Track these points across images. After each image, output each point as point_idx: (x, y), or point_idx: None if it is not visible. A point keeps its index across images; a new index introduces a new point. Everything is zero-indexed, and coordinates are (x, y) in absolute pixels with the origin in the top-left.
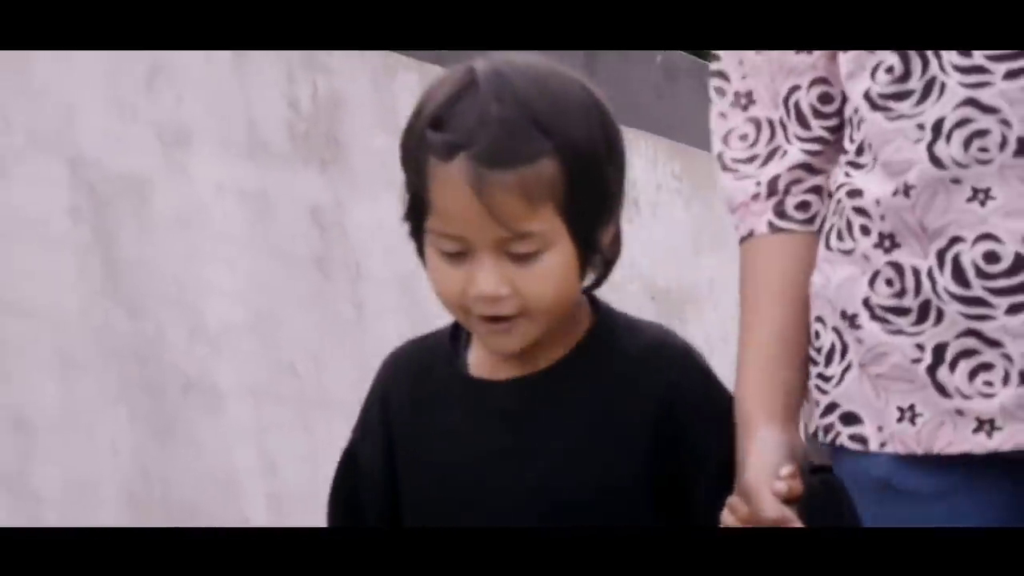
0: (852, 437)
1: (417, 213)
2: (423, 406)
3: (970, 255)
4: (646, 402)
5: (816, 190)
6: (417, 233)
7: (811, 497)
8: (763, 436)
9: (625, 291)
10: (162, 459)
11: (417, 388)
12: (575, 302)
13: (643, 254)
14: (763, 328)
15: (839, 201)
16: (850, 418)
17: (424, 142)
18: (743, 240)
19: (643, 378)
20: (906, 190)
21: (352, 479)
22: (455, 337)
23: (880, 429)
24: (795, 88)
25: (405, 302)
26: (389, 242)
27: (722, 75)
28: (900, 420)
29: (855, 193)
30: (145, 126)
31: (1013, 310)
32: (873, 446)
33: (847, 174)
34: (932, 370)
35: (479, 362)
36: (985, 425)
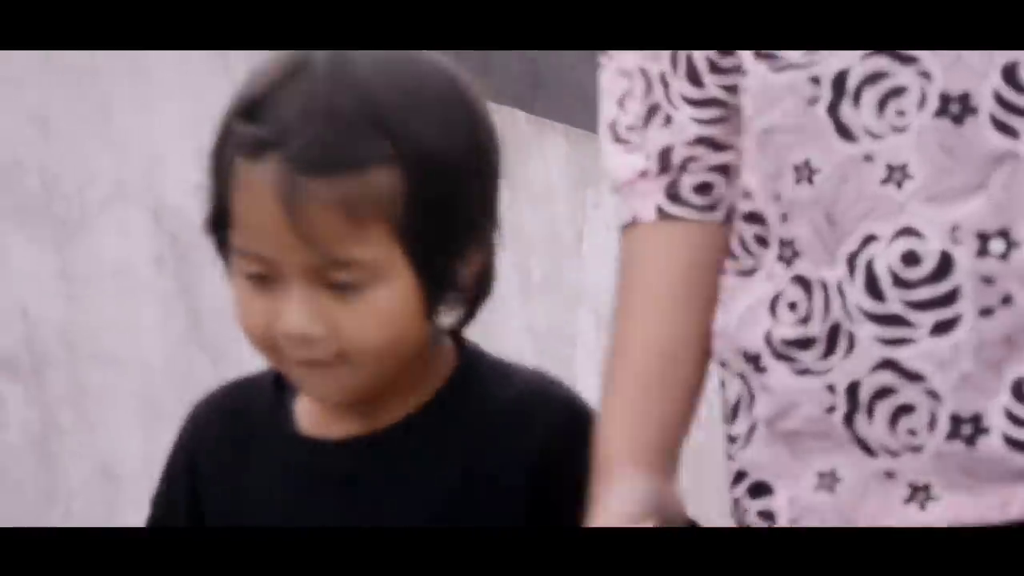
0: (760, 514)
1: (219, 224)
2: (237, 471)
3: (886, 258)
4: (516, 468)
5: (722, 169)
6: (225, 247)
7: None
8: (621, 484)
9: None
10: None
11: (231, 447)
12: (417, 346)
13: None
14: (638, 345)
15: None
16: (760, 489)
17: (232, 135)
18: (625, 228)
19: (512, 438)
20: (809, 175)
21: None
22: (281, 381)
23: (792, 501)
24: None
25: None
26: None
27: None
28: (818, 488)
29: (743, 195)
30: None
31: (939, 330)
32: (781, 522)
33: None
34: (849, 420)
35: (309, 415)
36: (919, 493)
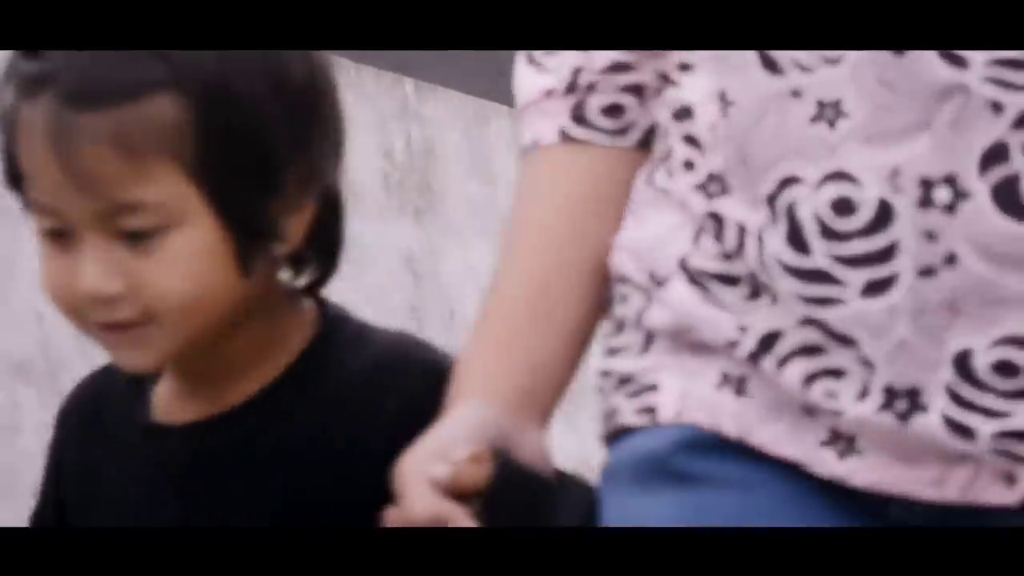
0: (639, 411)
1: (15, 179)
2: (95, 463)
3: (812, 204)
4: (368, 446)
5: (634, 89)
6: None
7: (502, 492)
8: (459, 411)
9: None
10: None
11: (88, 439)
12: (234, 302)
13: None
14: (520, 274)
15: (664, 122)
16: (644, 390)
17: (12, 75)
18: (526, 152)
19: (363, 414)
20: (724, 107)
21: None
22: None
23: (684, 394)
24: None
25: None
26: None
27: None
28: (721, 386)
29: (684, 114)
30: None
31: (872, 290)
32: (664, 416)
33: (673, 80)
34: (754, 358)
35: (163, 399)
36: (840, 441)
